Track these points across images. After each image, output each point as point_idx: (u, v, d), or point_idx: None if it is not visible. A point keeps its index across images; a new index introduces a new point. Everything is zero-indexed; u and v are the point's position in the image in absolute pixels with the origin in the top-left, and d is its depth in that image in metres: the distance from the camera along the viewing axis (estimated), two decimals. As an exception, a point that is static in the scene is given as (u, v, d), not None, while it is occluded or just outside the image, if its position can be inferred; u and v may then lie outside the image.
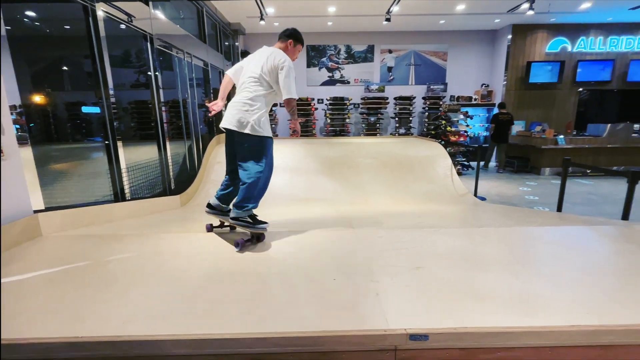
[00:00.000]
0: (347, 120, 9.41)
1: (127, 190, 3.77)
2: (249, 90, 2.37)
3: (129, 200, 3.74)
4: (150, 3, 4.39)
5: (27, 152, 3.06)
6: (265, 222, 2.39)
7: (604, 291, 1.61)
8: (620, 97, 9.35)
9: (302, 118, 9.37)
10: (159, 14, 4.77)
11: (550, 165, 7.77)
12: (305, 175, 5.18)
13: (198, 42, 6.15)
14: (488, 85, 9.70)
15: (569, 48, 8.94)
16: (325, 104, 9.50)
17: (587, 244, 2.34)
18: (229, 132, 2.40)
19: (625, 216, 3.10)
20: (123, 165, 3.71)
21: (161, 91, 4.55)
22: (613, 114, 9.44)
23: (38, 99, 3.85)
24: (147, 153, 4.49)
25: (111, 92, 3.50)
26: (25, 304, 1.52)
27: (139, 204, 3.67)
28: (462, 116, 8.54)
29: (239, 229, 2.44)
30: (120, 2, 3.74)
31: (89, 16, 3.22)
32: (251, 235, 2.31)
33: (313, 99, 9.51)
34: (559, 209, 3.92)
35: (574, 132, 8.59)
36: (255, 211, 2.38)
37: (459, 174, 7.39)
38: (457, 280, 1.71)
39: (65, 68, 4.33)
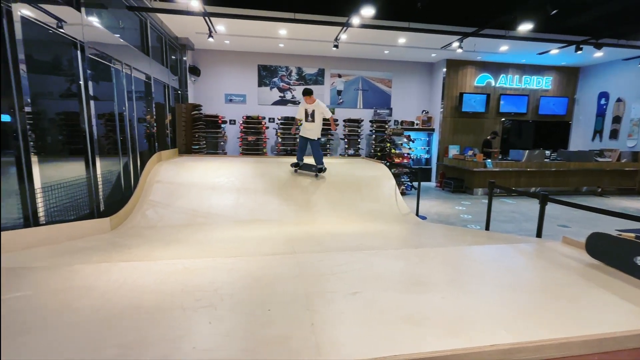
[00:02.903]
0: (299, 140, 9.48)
1: (41, 212, 3.30)
2: None
3: (43, 224, 3.27)
4: (83, 9, 4.07)
5: None
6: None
7: (519, 308, 1.75)
8: (535, 126, 10.81)
9: (253, 136, 9.25)
10: (94, 22, 4.44)
11: (481, 186, 8.58)
12: (253, 196, 5.04)
13: (139, 53, 5.82)
14: (428, 112, 10.56)
15: (493, 83, 10.18)
16: (277, 123, 9.51)
17: (507, 261, 2.57)
18: None
19: (538, 234, 3.49)
20: (38, 183, 3.27)
21: (92, 103, 4.17)
22: (530, 141, 10.85)
23: None
24: (74, 170, 4.02)
25: (27, 100, 3.11)
26: None
27: (56, 229, 3.22)
28: (405, 139, 9.12)
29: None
30: (46, 5, 3.41)
31: (2, 16, 2.87)
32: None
33: (264, 118, 9.47)
34: (487, 227, 4.30)
35: (500, 157, 9.63)
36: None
37: (403, 193, 7.81)
38: (390, 305, 1.74)
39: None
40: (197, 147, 8.01)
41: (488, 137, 9.42)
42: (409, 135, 9.35)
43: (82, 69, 3.97)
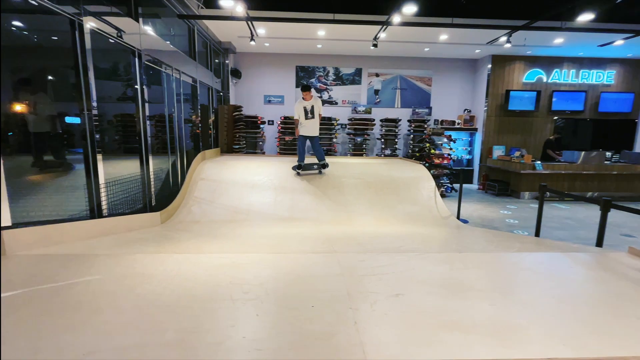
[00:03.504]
0: (335, 140, 9.52)
1: (104, 206, 3.64)
2: None
3: (105, 216, 3.60)
4: (140, 19, 4.42)
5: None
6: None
7: (578, 321, 1.62)
8: (593, 125, 9.87)
9: (291, 136, 9.43)
10: (149, 30, 4.79)
11: (529, 189, 8.02)
12: (290, 194, 5.15)
13: (187, 58, 6.19)
14: (470, 111, 10.07)
15: (545, 79, 9.45)
16: (313, 123, 9.60)
17: (563, 271, 2.38)
18: None
19: (599, 243, 3.19)
20: (102, 179, 3.61)
21: (147, 105, 4.51)
22: (587, 141, 9.92)
23: (18, 107, 3.73)
24: (129, 167, 4.39)
25: (94, 104, 3.45)
26: (-24, 332, 1.40)
27: (115, 220, 3.54)
28: (445, 139, 8.77)
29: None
30: (109, 17, 3.75)
31: (75, 29, 3.20)
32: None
33: (301, 118, 9.61)
34: (537, 233, 4.01)
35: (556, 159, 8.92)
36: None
37: (443, 196, 7.52)
38: (435, 309, 1.70)
39: (50, 78, 4.24)
40: (237, 146, 8.34)
41: (551, 138, 8.74)
42: (450, 135, 8.98)
43: (139, 74, 4.30)
